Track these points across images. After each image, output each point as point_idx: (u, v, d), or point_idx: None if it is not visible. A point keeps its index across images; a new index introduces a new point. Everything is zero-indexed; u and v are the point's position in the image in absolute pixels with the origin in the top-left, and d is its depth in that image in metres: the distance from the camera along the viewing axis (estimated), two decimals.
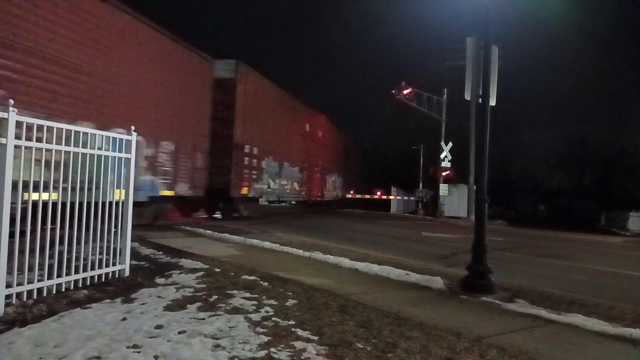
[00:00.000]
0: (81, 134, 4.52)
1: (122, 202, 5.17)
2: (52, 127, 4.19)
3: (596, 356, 3.56)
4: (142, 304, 4.11)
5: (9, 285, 3.77)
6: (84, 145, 4.57)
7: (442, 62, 25.38)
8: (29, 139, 3.93)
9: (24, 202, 3.90)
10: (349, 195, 33.29)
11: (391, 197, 32.77)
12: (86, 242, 4.59)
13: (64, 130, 4.37)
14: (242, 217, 15.87)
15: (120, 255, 5.16)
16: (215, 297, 4.46)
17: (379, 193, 34.93)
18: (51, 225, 4.20)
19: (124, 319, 3.64)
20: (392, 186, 32.79)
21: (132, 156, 5.25)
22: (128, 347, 3.04)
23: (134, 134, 5.30)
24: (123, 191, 5.19)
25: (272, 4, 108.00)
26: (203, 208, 15.03)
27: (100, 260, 4.89)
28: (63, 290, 4.36)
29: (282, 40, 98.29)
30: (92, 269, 4.76)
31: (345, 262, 6.84)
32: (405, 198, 33.66)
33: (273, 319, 3.84)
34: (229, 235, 9.71)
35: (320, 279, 5.75)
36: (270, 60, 74.31)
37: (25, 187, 3.96)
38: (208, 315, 3.84)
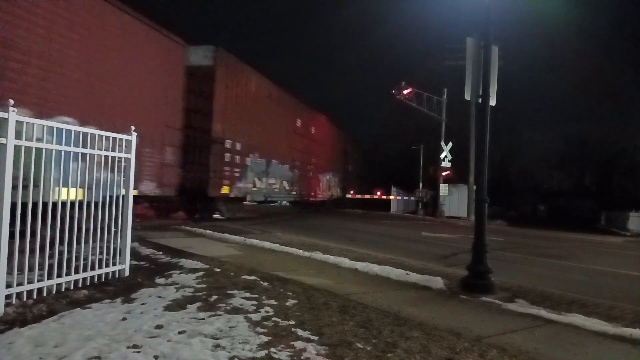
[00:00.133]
0: (81, 134, 4.52)
1: (122, 202, 5.17)
2: (52, 127, 4.19)
3: (596, 356, 3.56)
4: (142, 304, 4.11)
5: (9, 285, 3.77)
6: (84, 145, 4.56)
7: (442, 62, 25.43)
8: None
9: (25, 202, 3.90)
10: (349, 195, 33.29)
11: (391, 197, 32.77)
12: (86, 242, 4.59)
13: (63, 130, 4.37)
14: (224, 219, 14.67)
15: (120, 255, 5.16)
16: (215, 297, 4.46)
17: (379, 193, 34.93)
18: (51, 225, 4.20)
19: (124, 319, 3.64)
20: (392, 186, 32.79)
21: (132, 156, 5.26)
22: (128, 347, 3.04)
23: (134, 134, 5.30)
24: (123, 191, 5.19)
25: (272, 4, 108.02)
26: (183, 209, 13.74)
27: (100, 260, 4.89)
28: (63, 290, 4.36)
29: (282, 40, 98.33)
30: (92, 269, 4.76)
31: (345, 262, 6.84)
32: (405, 198, 33.67)
33: (273, 319, 3.84)
34: (229, 235, 9.71)
35: (320, 279, 5.75)
36: (270, 60, 74.32)
37: (25, 187, 3.96)
38: (208, 315, 3.84)
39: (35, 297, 4.04)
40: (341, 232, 13.70)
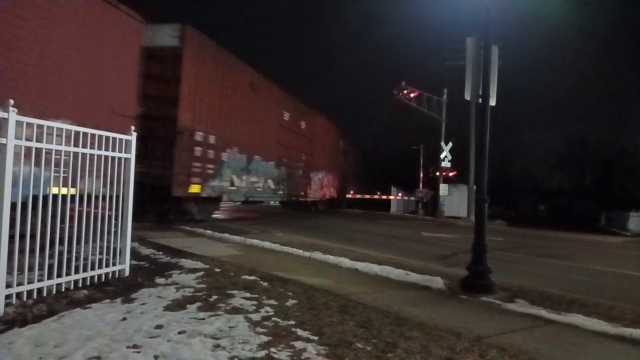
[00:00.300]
0: (81, 134, 4.52)
1: (122, 202, 5.17)
2: (52, 127, 4.19)
3: (596, 356, 3.56)
4: (142, 304, 4.11)
5: (9, 285, 3.77)
6: (84, 145, 4.56)
7: (442, 62, 25.41)
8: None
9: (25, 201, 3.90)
10: (349, 195, 33.28)
11: (391, 197, 32.78)
12: (86, 242, 4.59)
13: (63, 130, 4.37)
14: (196, 220, 12.82)
15: (120, 255, 5.16)
16: (215, 297, 4.46)
17: (379, 193, 34.92)
18: (51, 224, 4.20)
19: (124, 319, 3.63)
20: (392, 186, 32.80)
21: (132, 156, 5.25)
22: (128, 347, 3.04)
23: (134, 134, 5.30)
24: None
25: (272, 4, 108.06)
26: (153, 211, 11.98)
27: (100, 260, 4.89)
28: (63, 290, 4.36)
29: (282, 40, 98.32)
30: (92, 269, 4.76)
31: (345, 262, 6.84)
32: (405, 198, 33.68)
33: (273, 319, 3.84)
34: (229, 235, 9.71)
35: (320, 279, 5.75)
36: (270, 60, 74.34)
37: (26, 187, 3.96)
38: (208, 315, 3.84)
39: (35, 297, 4.04)
40: (341, 232, 13.70)
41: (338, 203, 29.83)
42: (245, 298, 4.46)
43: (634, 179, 43.38)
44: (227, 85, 13.90)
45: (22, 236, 3.88)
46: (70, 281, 4.45)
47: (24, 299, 3.92)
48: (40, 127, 4.04)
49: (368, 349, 3.27)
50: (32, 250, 3.95)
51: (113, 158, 4.98)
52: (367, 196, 34.42)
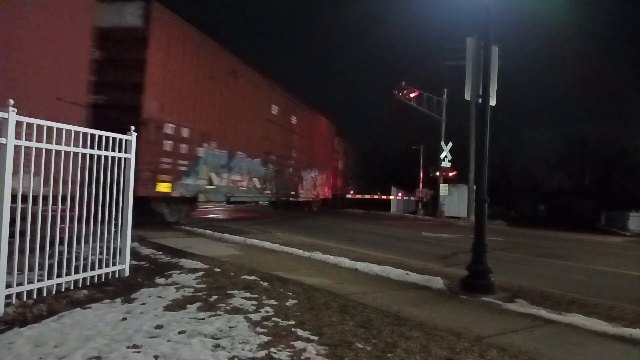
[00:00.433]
0: (81, 134, 4.52)
1: (122, 202, 5.17)
2: (52, 127, 4.19)
3: (596, 356, 3.56)
4: (142, 304, 4.11)
5: (9, 285, 3.77)
6: (84, 145, 4.56)
7: (442, 62, 25.41)
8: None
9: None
10: (349, 195, 33.27)
11: (391, 197, 32.78)
12: (86, 242, 4.59)
13: (63, 130, 4.37)
14: (168, 223, 11.63)
15: (120, 255, 5.16)
16: (215, 297, 4.46)
17: (378, 193, 34.92)
18: (51, 225, 4.20)
19: (124, 319, 3.63)
20: (392, 186, 32.80)
21: (132, 156, 5.25)
22: (128, 347, 3.04)
23: (134, 134, 5.30)
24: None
25: (272, 4, 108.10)
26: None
27: (100, 260, 4.89)
28: (63, 290, 4.36)
29: (282, 40, 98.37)
30: (92, 269, 4.76)
31: (345, 262, 6.83)
32: (405, 198, 33.67)
33: (273, 319, 3.84)
34: (229, 235, 9.71)
35: (320, 279, 5.75)
36: (270, 60, 74.35)
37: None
38: (208, 315, 3.84)
39: (35, 297, 4.04)
40: (341, 232, 13.70)
41: (333, 203, 28.80)
42: (245, 298, 4.46)
43: (634, 179, 43.39)
44: (203, 73, 12.40)
45: (22, 236, 3.88)
46: (70, 281, 4.45)
47: (24, 299, 3.92)
48: (40, 127, 4.04)
49: (368, 349, 3.27)
50: (32, 250, 3.95)
51: (113, 158, 4.98)
52: (367, 196, 34.40)
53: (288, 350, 3.15)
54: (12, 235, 3.72)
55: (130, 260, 5.40)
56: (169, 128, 11.02)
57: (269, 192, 17.58)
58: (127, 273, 5.22)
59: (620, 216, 27.84)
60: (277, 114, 17.91)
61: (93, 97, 8.48)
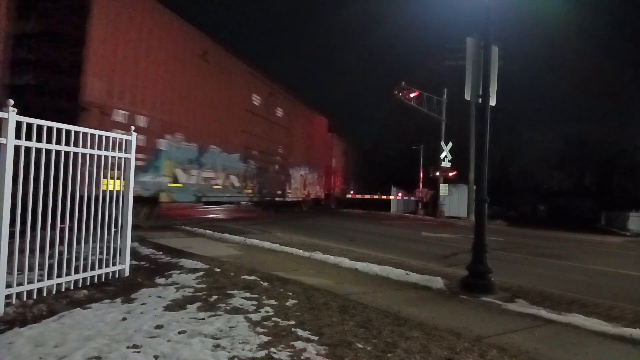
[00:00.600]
0: (81, 133, 4.52)
1: (122, 202, 5.18)
2: (52, 127, 4.19)
3: (596, 356, 3.56)
4: (142, 304, 4.11)
5: (9, 285, 3.77)
6: (84, 145, 4.56)
7: (442, 62, 25.37)
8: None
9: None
10: (349, 195, 33.26)
11: (391, 197, 32.78)
12: (86, 242, 4.59)
13: (63, 130, 4.37)
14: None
15: (120, 255, 5.16)
16: (215, 297, 4.46)
17: (378, 193, 34.92)
18: (51, 225, 4.20)
19: (124, 319, 3.63)
20: (392, 186, 32.80)
21: (132, 156, 5.26)
22: (128, 347, 3.04)
23: (134, 134, 5.30)
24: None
25: (272, 4, 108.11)
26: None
27: (100, 260, 4.89)
28: (63, 290, 4.36)
29: (282, 40, 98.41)
30: (92, 269, 4.76)
31: (345, 262, 6.83)
32: (405, 198, 33.67)
33: (273, 319, 3.84)
34: (229, 235, 9.71)
35: (320, 279, 5.75)
36: (270, 60, 74.36)
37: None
38: (208, 315, 3.84)
39: (35, 297, 4.04)
40: (341, 232, 13.70)
41: (327, 203, 27.56)
42: (245, 298, 4.46)
43: (634, 179, 43.39)
44: (166, 53, 10.81)
45: (22, 235, 3.88)
46: (70, 281, 4.46)
47: (24, 299, 3.92)
48: (40, 126, 4.04)
49: (368, 349, 3.26)
50: (32, 250, 3.95)
51: (113, 158, 4.98)
52: (367, 196, 34.40)
53: (288, 350, 3.15)
54: (12, 235, 3.72)
55: (130, 260, 5.41)
56: (119, 115, 9.33)
57: (250, 191, 15.96)
58: (127, 273, 5.22)
59: (620, 216, 27.84)
60: (260, 104, 16.17)
61: (15, 79, 7.45)
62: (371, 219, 22.91)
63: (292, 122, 19.75)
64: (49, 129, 4.13)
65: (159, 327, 3.47)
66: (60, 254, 4.37)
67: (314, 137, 23.60)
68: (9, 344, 2.99)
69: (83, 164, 4.60)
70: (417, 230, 16.43)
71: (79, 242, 4.48)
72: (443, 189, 26.38)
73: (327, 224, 16.77)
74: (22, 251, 3.89)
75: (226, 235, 9.73)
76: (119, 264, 5.15)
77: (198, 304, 4.19)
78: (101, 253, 4.90)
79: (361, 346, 3.31)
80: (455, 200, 26.71)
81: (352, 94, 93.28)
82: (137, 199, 9.49)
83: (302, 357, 3.05)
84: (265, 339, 3.33)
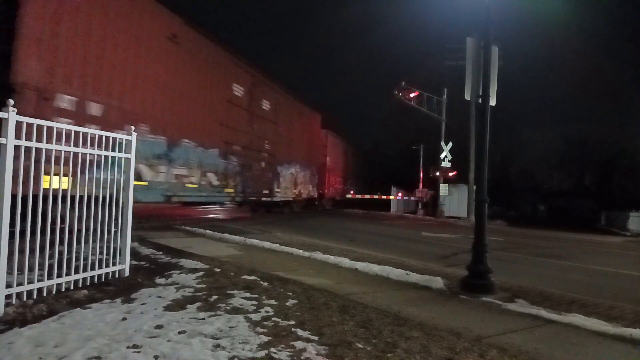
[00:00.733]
0: (81, 133, 4.52)
1: (122, 202, 5.18)
2: (52, 127, 4.19)
3: (596, 356, 3.55)
4: (142, 304, 4.11)
5: (9, 285, 3.77)
6: (84, 145, 4.57)
7: (442, 62, 25.37)
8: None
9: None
10: (349, 195, 33.26)
11: (391, 197, 32.79)
12: (86, 242, 4.59)
13: (63, 130, 4.37)
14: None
15: (120, 255, 5.16)
16: (215, 297, 4.46)
17: (379, 193, 34.93)
18: (51, 225, 4.20)
19: (124, 319, 3.64)
20: (392, 186, 32.81)
21: (132, 156, 5.26)
22: (128, 347, 3.04)
23: (134, 134, 5.30)
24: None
25: (272, 4, 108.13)
26: None
27: (100, 260, 4.89)
28: (63, 290, 4.36)
29: (282, 40, 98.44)
30: (92, 269, 4.76)
31: (345, 262, 6.83)
32: (405, 198, 33.68)
33: (273, 319, 3.84)
34: (229, 235, 9.71)
35: (320, 279, 5.75)
36: (270, 60, 74.36)
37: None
38: (208, 315, 3.84)
39: (35, 297, 4.04)
40: (341, 232, 13.70)
41: (321, 204, 26.37)
42: (245, 298, 4.46)
43: (634, 179, 43.42)
44: (127, 34, 9.51)
45: (22, 235, 3.88)
46: (70, 281, 4.46)
47: (24, 299, 3.92)
48: (40, 126, 4.04)
49: (368, 349, 3.27)
50: (32, 250, 3.95)
51: (113, 158, 4.98)
52: (367, 196, 34.41)
53: (288, 350, 3.15)
54: (12, 235, 3.72)
55: (130, 260, 5.41)
56: (65, 101, 7.99)
57: (231, 190, 14.44)
58: (127, 273, 5.22)
59: (620, 216, 27.84)
60: (243, 96, 14.80)
61: None
62: (371, 219, 22.91)
63: (281, 116, 18.37)
64: (49, 128, 4.14)
65: (159, 327, 3.47)
66: (60, 253, 4.37)
67: (305, 133, 22.19)
68: (9, 344, 2.99)
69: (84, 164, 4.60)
70: (417, 230, 16.43)
71: (79, 242, 4.48)
72: (443, 189, 26.39)
73: (327, 224, 16.77)
74: (22, 251, 3.89)
75: (226, 235, 9.73)
76: (119, 264, 5.15)
77: (198, 304, 4.19)
78: (101, 253, 4.90)
79: (361, 346, 3.31)
80: (455, 200, 26.71)
81: (352, 94, 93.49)
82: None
83: (302, 357, 3.05)
84: (265, 339, 3.33)
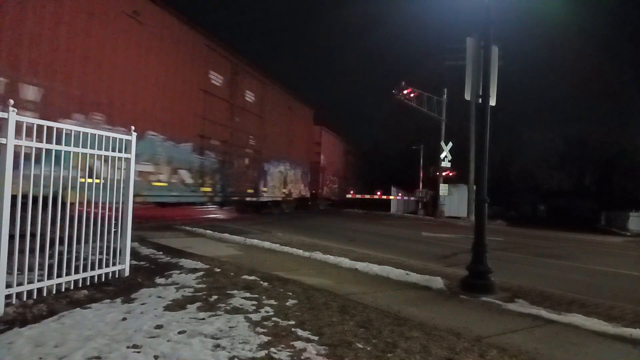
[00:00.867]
0: (81, 133, 4.52)
1: (122, 202, 5.18)
2: (52, 127, 4.19)
3: (596, 356, 3.55)
4: (142, 304, 4.11)
5: (9, 285, 3.77)
6: (84, 145, 4.57)
7: (442, 62, 25.42)
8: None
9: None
10: (349, 195, 33.26)
11: (391, 197, 32.80)
12: (86, 242, 4.59)
13: (63, 130, 4.37)
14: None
15: (120, 255, 5.16)
16: (215, 297, 4.46)
17: (379, 193, 34.95)
18: (51, 225, 4.20)
19: (124, 319, 3.63)
20: (392, 186, 32.84)
21: (132, 156, 5.26)
22: (128, 347, 3.04)
23: (134, 134, 5.30)
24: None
25: (272, 4, 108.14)
26: None
27: (100, 260, 4.89)
28: (63, 290, 4.36)
29: (282, 40, 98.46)
30: (92, 269, 4.76)
31: (345, 262, 6.84)
32: (405, 198, 33.69)
33: (273, 319, 3.84)
34: (229, 235, 9.70)
35: (320, 279, 5.75)
36: (270, 60, 74.36)
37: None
38: (208, 315, 3.84)
39: (35, 297, 4.04)
40: (341, 232, 13.70)
41: (315, 204, 25.05)
42: (245, 298, 4.46)
43: (634, 179, 43.45)
44: (75, 7, 8.16)
45: (22, 236, 3.88)
46: (70, 281, 4.45)
47: (24, 299, 3.92)
48: (40, 126, 4.04)
49: (368, 349, 3.27)
50: (32, 250, 3.95)
51: (113, 158, 4.98)
52: (367, 196, 34.42)
53: (288, 350, 3.15)
54: (12, 235, 3.72)
55: (130, 260, 5.41)
56: None
57: (209, 189, 13.02)
58: (127, 273, 5.22)
59: (620, 216, 27.87)
60: (222, 85, 13.41)
61: None
62: (371, 219, 22.92)
63: (267, 110, 16.91)
64: (49, 128, 4.14)
65: (159, 327, 3.47)
66: (60, 253, 4.37)
67: (296, 128, 20.60)
68: (9, 344, 2.99)
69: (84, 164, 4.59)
70: (417, 230, 16.43)
71: (79, 242, 4.48)
72: (443, 189, 26.40)
73: (327, 224, 16.78)
74: (22, 251, 3.89)
75: (226, 235, 9.73)
76: (119, 263, 5.15)
77: (198, 304, 4.19)
78: (101, 253, 4.90)
79: (361, 346, 3.31)
80: (455, 200, 26.73)
81: (352, 94, 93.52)
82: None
83: (302, 357, 3.05)
84: (265, 339, 3.33)
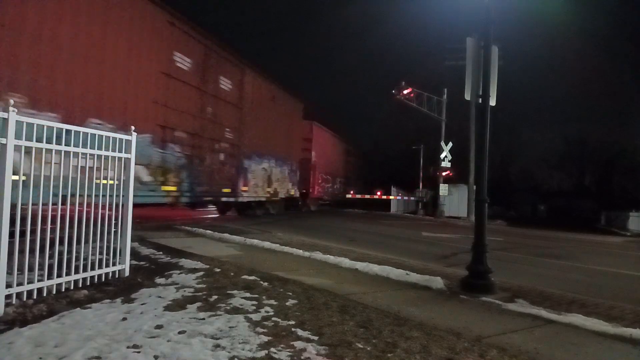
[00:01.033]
0: (81, 133, 4.52)
1: (122, 202, 5.18)
2: (52, 127, 4.19)
3: (596, 356, 3.56)
4: (142, 304, 4.11)
5: (9, 285, 3.77)
6: (84, 145, 4.57)
7: (442, 62, 25.45)
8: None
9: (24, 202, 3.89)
10: (349, 195, 33.25)
11: (391, 197, 32.79)
12: (86, 242, 4.59)
13: (63, 130, 4.37)
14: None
15: (120, 255, 5.16)
16: (215, 297, 4.46)
17: (379, 193, 34.95)
18: (51, 225, 4.20)
19: (124, 319, 3.63)
20: (392, 186, 32.83)
21: (132, 156, 5.26)
22: (128, 347, 3.04)
23: (134, 134, 5.30)
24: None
25: (272, 4, 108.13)
26: None
27: (100, 260, 4.89)
28: (63, 290, 4.35)
29: (282, 40, 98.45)
30: (92, 269, 4.76)
31: (345, 262, 6.83)
32: (405, 198, 33.68)
33: (273, 319, 3.84)
34: (229, 235, 9.70)
35: (320, 279, 5.75)
36: (271, 60, 74.37)
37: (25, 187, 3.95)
38: (208, 315, 3.84)
39: (35, 297, 4.03)
40: (341, 232, 13.70)
41: (305, 204, 23.49)
42: (245, 298, 4.46)
43: (634, 179, 43.46)
44: None
45: (22, 236, 3.88)
46: (70, 281, 4.45)
47: (24, 299, 3.92)
48: (40, 126, 4.04)
49: (368, 349, 3.26)
50: (32, 250, 3.95)
51: (113, 158, 4.98)
52: (367, 196, 34.41)
53: (288, 350, 3.15)
54: (12, 235, 3.72)
55: (130, 260, 5.41)
56: None
57: (172, 188, 11.13)
58: (127, 273, 5.22)
59: (620, 216, 27.88)
60: (191, 70, 11.61)
61: None
62: (371, 219, 22.91)
63: (247, 100, 14.93)
64: (49, 128, 4.14)
65: (159, 327, 3.47)
66: (60, 253, 4.37)
67: (283, 122, 18.67)
68: (9, 344, 2.99)
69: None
70: (417, 230, 16.43)
71: (79, 242, 4.48)
72: (443, 189, 26.40)
73: (327, 224, 16.78)
74: (22, 251, 3.89)
75: (226, 235, 9.73)
76: (119, 263, 5.15)
77: (198, 304, 4.19)
78: (101, 253, 4.90)
79: (361, 346, 3.31)
80: (455, 200, 26.74)
81: (352, 94, 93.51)
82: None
83: (302, 357, 3.05)
84: (265, 339, 3.33)
